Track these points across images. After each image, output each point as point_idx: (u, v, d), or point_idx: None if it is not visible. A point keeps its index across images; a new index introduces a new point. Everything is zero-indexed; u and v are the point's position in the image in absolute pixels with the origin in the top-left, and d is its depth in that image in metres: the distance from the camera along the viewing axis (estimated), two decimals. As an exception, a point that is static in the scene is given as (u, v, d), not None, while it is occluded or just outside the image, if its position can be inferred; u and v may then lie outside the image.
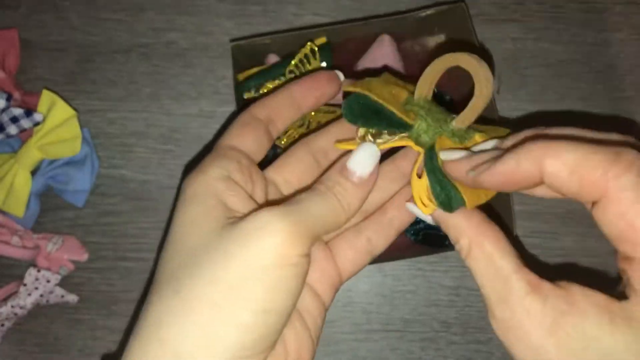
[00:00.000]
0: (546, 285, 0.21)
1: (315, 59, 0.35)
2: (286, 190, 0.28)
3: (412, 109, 0.26)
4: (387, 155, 0.29)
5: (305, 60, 0.36)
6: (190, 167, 0.44)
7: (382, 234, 0.29)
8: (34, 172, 0.43)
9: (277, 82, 0.36)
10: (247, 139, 0.26)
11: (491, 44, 0.46)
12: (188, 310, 0.21)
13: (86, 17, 0.46)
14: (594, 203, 0.20)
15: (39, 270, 0.42)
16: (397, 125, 0.25)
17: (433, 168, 0.24)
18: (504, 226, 0.37)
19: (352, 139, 0.27)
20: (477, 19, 0.45)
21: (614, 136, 0.21)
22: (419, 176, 0.25)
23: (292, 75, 0.37)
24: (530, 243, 0.44)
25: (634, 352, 0.19)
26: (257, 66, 0.38)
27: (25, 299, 0.42)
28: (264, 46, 0.38)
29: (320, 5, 0.46)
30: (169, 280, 0.22)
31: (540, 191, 0.23)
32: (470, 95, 0.25)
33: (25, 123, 0.42)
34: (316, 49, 0.35)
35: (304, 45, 0.36)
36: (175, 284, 0.22)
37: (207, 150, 0.27)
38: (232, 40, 0.37)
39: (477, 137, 0.25)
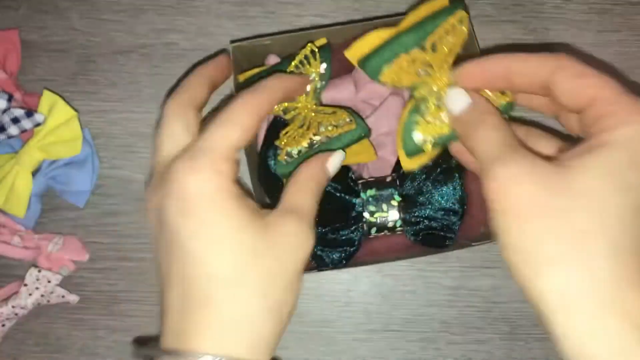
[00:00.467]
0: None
1: (315, 60, 0.35)
2: None
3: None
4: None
5: (305, 61, 0.36)
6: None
7: None
8: (34, 173, 0.43)
9: (277, 82, 0.36)
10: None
11: (491, 45, 0.46)
12: None
13: (87, 18, 0.46)
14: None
15: (40, 271, 0.42)
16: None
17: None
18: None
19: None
20: (476, 19, 0.45)
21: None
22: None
23: (292, 76, 0.36)
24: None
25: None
26: (258, 67, 0.38)
27: (26, 299, 0.42)
28: (264, 47, 0.38)
29: (320, 6, 0.46)
30: None
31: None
32: None
33: (26, 123, 0.42)
34: (316, 50, 0.35)
35: (304, 46, 0.36)
36: None
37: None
38: (233, 41, 0.37)
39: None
